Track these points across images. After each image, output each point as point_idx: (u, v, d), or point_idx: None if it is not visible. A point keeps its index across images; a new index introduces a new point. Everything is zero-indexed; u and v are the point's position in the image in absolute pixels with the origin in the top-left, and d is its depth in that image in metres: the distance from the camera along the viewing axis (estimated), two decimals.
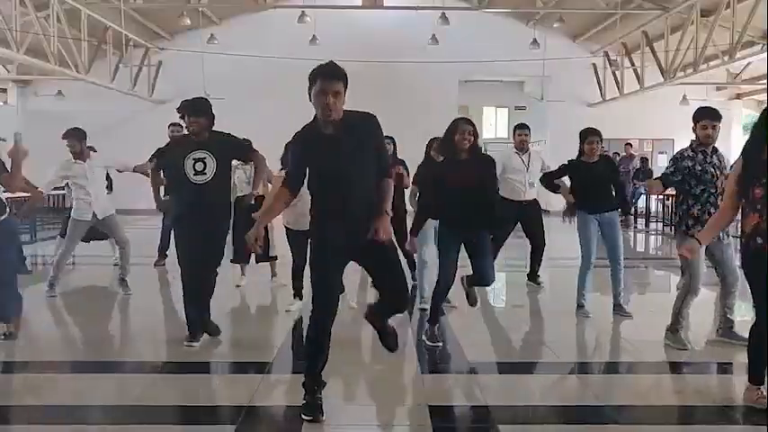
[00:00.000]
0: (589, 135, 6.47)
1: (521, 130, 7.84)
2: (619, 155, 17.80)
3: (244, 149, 5.70)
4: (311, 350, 3.94)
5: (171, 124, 9.51)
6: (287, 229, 6.54)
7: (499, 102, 23.93)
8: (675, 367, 5.12)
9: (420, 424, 3.95)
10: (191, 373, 5.06)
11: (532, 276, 7.95)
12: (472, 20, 18.11)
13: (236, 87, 17.60)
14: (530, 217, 7.73)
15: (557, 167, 6.81)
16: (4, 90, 20.01)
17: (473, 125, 5.24)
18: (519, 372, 5.07)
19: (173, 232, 5.60)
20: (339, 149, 3.71)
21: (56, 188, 9.65)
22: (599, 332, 6.21)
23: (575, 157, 6.56)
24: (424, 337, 5.56)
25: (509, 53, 18.14)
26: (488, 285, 5.65)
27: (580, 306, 6.51)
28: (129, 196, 13.69)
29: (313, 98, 3.67)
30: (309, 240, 3.93)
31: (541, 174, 7.29)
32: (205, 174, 5.26)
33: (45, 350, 5.56)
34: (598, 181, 6.42)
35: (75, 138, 7.17)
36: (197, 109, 5.33)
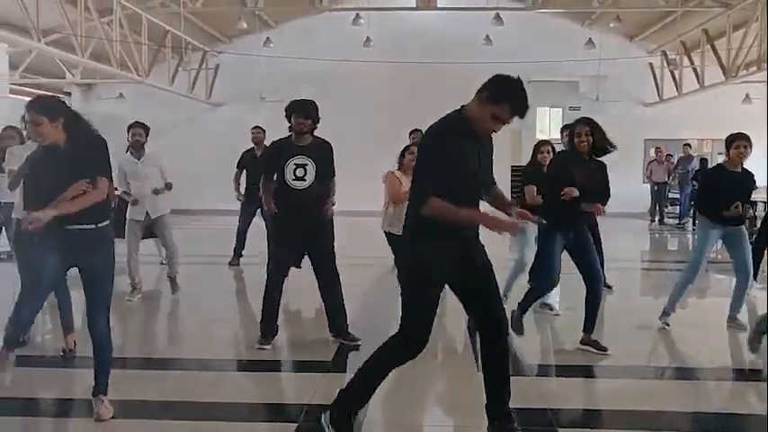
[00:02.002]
0: (736, 140, 5.79)
1: (566, 130, 7.75)
2: (670, 156, 17.47)
3: (329, 173, 5.67)
4: (379, 375, 3.60)
5: (254, 127, 9.70)
6: (387, 233, 6.52)
7: (553, 102, 23.62)
8: (745, 375, 5.03)
9: (476, 425, 3.95)
10: (252, 371, 5.19)
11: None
12: (526, 20, 17.96)
13: (291, 89, 17.67)
14: None
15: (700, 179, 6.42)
16: (69, 93, 20.65)
17: (591, 124, 5.21)
18: (577, 375, 5.03)
19: (270, 235, 5.66)
20: (482, 162, 3.52)
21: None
22: (661, 337, 6.09)
23: (715, 165, 6.25)
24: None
25: (564, 53, 17.95)
26: (600, 282, 5.42)
27: (666, 313, 6.20)
28: (184, 196, 14.05)
29: (490, 114, 3.36)
30: (410, 256, 3.55)
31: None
32: (305, 180, 5.41)
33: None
34: (740, 192, 5.81)
35: (143, 128, 7.29)
36: (306, 110, 5.43)
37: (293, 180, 5.41)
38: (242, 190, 9.71)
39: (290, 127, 5.49)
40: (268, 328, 5.55)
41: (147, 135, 7.33)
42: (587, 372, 5.08)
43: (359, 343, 5.56)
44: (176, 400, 4.38)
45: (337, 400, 3.59)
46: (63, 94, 20.58)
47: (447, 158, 3.34)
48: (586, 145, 5.16)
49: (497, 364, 3.65)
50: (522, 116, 3.38)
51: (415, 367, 4.81)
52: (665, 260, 11.27)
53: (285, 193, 5.44)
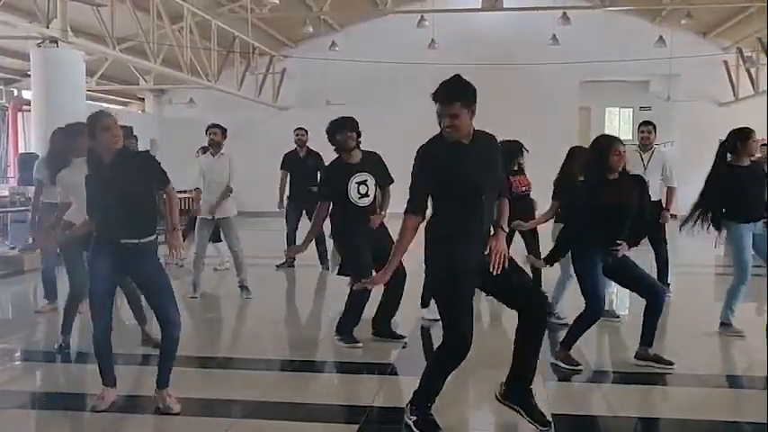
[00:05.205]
0: (752, 133, 5.74)
1: (644, 126, 7.56)
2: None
3: (387, 179, 5.78)
4: (440, 372, 3.73)
5: (297, 129, 9.86)
6: None
7: (623, 102, 23.16)
8: None
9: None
10: (316, 372, 5.23)
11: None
12: (594, 19, 17.60)
13: (356, 93, 17.94)
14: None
15: (709, 180, 5.88)
16: (142, 99, 21.31)
17: (623, 143, 4.94)
18: (643, 383, 4.86)
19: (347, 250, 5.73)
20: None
21: (181, 191, 10.19)
22: (726, 343, 5.87)
23: (719, 161, 5.83)
24: (555, 360, 5.02)
25: (633, 52, 17.53)
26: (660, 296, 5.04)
27: (726, 324, 5.91)
28: (252, 199, 14.31)
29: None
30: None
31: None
32: (368, 196, 5.54)
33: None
34: (756, 185, 5.72)
35: (222, 131, 7.68)
36: (348, 125, 5.57)
37: (358, 198, 5.53)
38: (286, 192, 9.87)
39: (335, 148, 5.62)
40: (351, 329, 5.64)
41: (223, 135, 7.72)
42: (648, 379, 4.89)
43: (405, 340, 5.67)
44: (241, 399, 4.45)
45: (414, 407, 3.74)
46: (137, 99, 21.28)
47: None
48: (621, 163, 4.82)
49: (530, 338, 3.68)
50: (435, 99, 3.63)
51: (475, 370, 4.79)
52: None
53: (351, 212, 5.54)
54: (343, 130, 5.56)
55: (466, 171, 3.56)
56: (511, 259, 3.70)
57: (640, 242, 5.25)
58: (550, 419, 3.77)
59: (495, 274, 3.57)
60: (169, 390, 4.17)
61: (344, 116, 5.70)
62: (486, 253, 3.59)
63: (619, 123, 23.86)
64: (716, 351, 5.74)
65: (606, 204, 4.76)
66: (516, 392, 3.76)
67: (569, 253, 5.40)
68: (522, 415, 3.75)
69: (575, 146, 6.54)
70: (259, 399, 4.44)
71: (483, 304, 6.95)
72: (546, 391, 4.49)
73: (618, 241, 4.81)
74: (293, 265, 9.75)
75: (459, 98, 3.56)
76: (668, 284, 7.58)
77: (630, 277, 4.99)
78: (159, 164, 4.26)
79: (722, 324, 5.97)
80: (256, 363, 5.43)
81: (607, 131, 22.60)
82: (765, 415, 3.88)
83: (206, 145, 7.94)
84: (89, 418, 4.23)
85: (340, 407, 4.46)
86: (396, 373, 5.08)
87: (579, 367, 4.98)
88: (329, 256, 9.34)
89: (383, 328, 5.77)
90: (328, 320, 7.26)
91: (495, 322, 6.70)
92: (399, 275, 5.58)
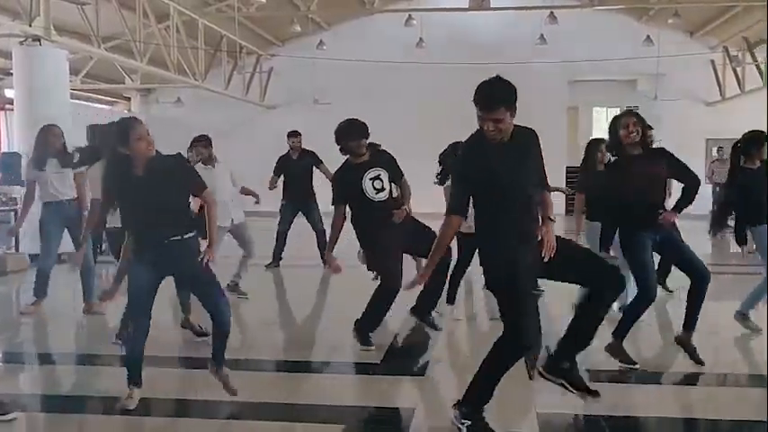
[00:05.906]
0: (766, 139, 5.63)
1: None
2: None
3: (399, 176, 5.73)
4: (498, 370, 3.72)
5: (291, 133, 9.74)
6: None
7: (610, 102, 23.18)
8: None
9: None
10: (305, 372, 5.21)
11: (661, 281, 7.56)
12: (582, 18, 17.63)
13: (344, 91, 17.87)
14: None
15: (724, 190, 5.96)
16: (128, 98, 21.15)
17: (638, 116, 4.90)
18: (642, 382, 4.87)
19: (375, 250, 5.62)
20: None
21: None
22: (728, 342, 5.86)
23: (735, 167, 5.82)
24: (610, 353, 4.94)
25: (621, 51, 17.57)
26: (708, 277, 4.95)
27: (744, 315, 5.90)
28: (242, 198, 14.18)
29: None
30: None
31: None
32: (384, 190, 5.48)
33: (173, 346, 5.76)
34: None
35: (203, 145, 7.27)
36: (359, 131, 5.49)
37: (375, 193, 5.46)
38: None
39: (341, 149, 5.53)
40: (369, 330, 5.57)
41: (209, 145, 7.34)
42: (645, 377, 4.90)
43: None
44: (234, 400, 4.39)
45: (465, 411, 3.71)
46: (123, 98, 21.12)
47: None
48: (636, 136, 4.78)
49: (594, 310, 3.67)
50: (476, 103, 3.48)
51: (464, 367, 4.76)
52: (728, 263, 10.91)
53: (371, 208, 5.48)
54: (352, 137, 5.46)
55: (509, 171, 3.55)
56: (568, 241, 3.78)
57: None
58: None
59: (547, 260, 3.57)
60: (160, 390, 4.27)
61: (353, 120, 5.55)
62: (537, 242, 3.59)
63: (606, 123, 23.95)
64: (717, 350, 5.70)
65: (634, 179, 4.77)
66: (562, 365, 3.75)
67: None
68: (566, 388, 3.75)
69: (593, 138, 6.74)
70: (251, 400, 4.42)
71: (480, 305, 6.94)
72: (533, 387, 4.45)
73: (659, 211, 4.85)
74: (279, 266, 9.67)
75: (503, 103, 3.47)
76: (668, 289, 7.57)
77: (679, 255, 5.00)
78: (192, 168, 4.29)
79: (740, 314, 5.96)
80: (247, 363, 5.36)
81: (595, 131, 22.64)
82: (765, 414, 3.89)
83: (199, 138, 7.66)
84: (74, 420, 4.22)
85: (330, 407, 4.41)
86: (382, 373, 5.04)
87: (636, 366, 4.90)
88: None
89: (424, 311, 5.70)
90: (319, 321, 7.26)
91: (495, 323, 6.66)
92: (444, 259, 5.47)
